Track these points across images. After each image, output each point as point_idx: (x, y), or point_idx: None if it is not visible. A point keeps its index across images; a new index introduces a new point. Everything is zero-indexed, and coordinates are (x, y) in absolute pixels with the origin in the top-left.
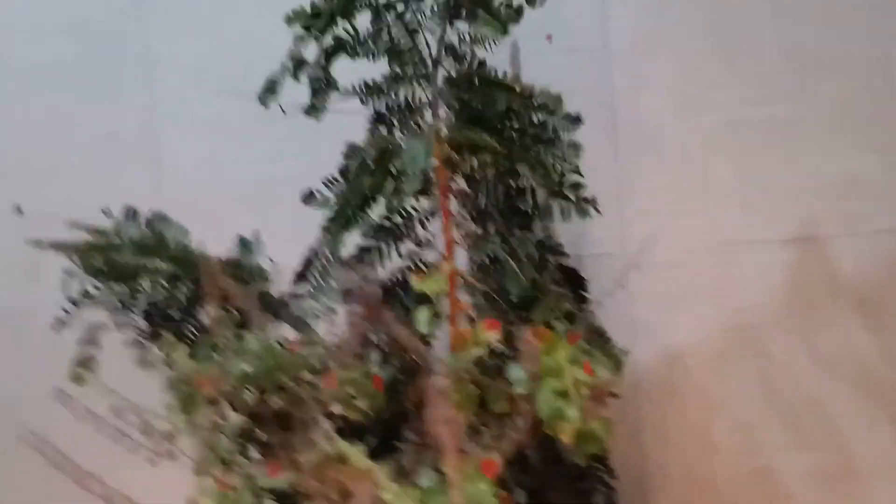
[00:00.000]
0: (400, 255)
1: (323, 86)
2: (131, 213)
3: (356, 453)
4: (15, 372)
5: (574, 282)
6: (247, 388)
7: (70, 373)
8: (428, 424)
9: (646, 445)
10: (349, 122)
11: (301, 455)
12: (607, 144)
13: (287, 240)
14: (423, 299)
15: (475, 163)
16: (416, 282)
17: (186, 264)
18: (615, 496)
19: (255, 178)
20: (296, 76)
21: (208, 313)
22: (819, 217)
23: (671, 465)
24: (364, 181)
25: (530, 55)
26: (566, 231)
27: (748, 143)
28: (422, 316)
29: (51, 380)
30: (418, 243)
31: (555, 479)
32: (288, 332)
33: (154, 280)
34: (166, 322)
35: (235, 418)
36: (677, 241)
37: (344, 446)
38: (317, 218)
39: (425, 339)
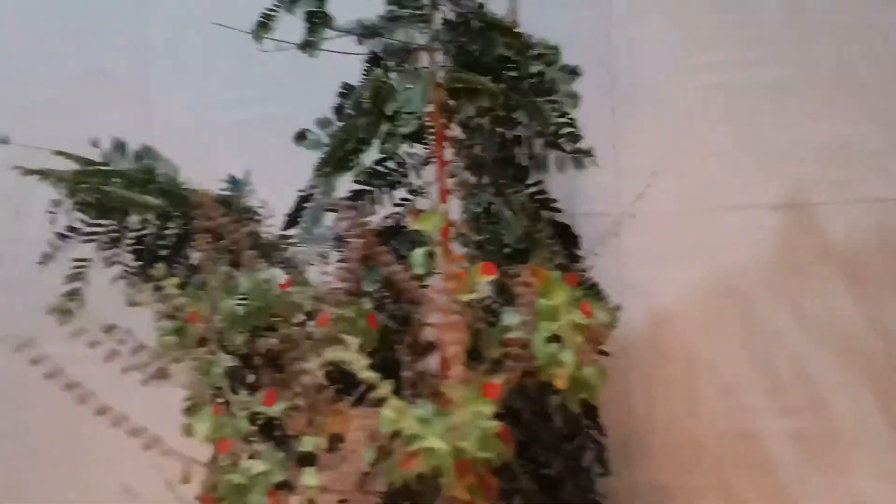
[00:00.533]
0: (392, 202)
1: (319, 20)
2: (120, 146)
3: (360, 362)
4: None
5: (566, 239)
6: (237, 328)
7: (56, 306)
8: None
9: (633, 404)
10: (344, 65)
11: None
12: (603, 103)
13: (278, 184)
14: (418, 242)
15: (471, 110)
16: (412, 221)
17: (176, 198)
18: (605, 453)
19: (247, 119)
20: (291, 9)
21: (198, 250)
22: (810, 183)
23: (657, 425)
24: (358, 122)
25: (529, 9)
26: (559, 189)
27: (743, 105)
28: (418, 257)
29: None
30: (412, 191)
31: (544, 435)
32: (278, 276)
33: (143, 215)
34: (155, 260)
35: (226, 358)
36: (669, 202)
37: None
38: (308, 163)
39: (421, 282)
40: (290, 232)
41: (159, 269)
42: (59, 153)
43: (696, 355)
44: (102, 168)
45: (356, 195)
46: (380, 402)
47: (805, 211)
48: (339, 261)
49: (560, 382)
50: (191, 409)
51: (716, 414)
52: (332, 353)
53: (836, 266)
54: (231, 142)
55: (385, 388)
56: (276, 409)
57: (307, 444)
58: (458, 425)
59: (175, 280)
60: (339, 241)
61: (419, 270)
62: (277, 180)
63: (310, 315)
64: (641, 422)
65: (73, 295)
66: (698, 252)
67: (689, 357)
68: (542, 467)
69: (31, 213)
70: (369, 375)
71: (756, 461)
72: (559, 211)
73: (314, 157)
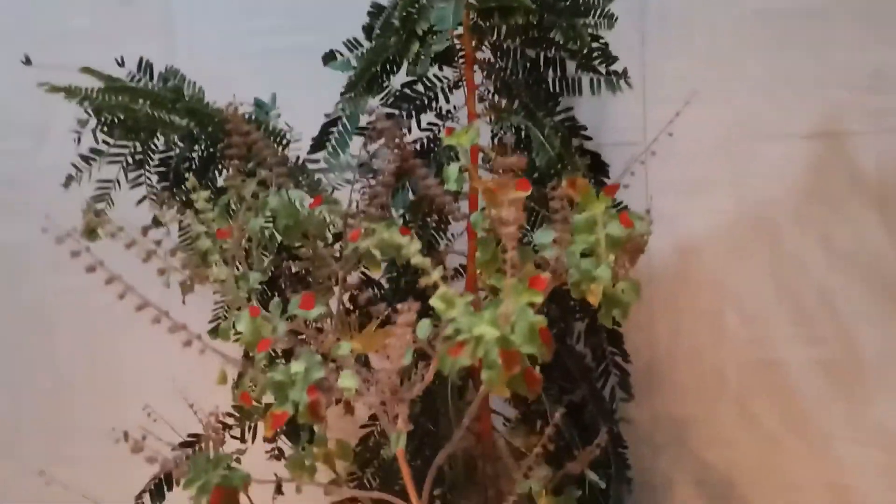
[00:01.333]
0: (420, 126)
1: None
2: (146, 67)
3: (412, 246)
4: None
5: (596, 167)
6: (265, 248)
7: (82, 228)
8: None
9: (657, 334)
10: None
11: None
12: (633, 29)
13: (304, 113)
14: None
15: (503, 31)
16: (445, 137)
17: (203, 118)
18: (628, 378)
19: (271, 49)
20: None
21: (226, 166)
22: (843, 112)
23: (681, 352)
24: (388, 42)
25: None
26: (586, 119)
27: (776, 33)
28: (452, 172)
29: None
30: (440, 115)
31: (568, 360)
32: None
33: (169, 136)
34: (180, 182)
35: (255, 276)
36: (699, 131)
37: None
38: (333, 94)
39: (455, 198)
40: (316, 156)
41: (191, 180)
42: (86, 70)
43: (722, 285)
44: (129, 86)
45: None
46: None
47: (838, 140)
48: (370, 176)
49: (593, 298)
50: (227, 312)
51: (741, 343)
52: (382, 230)
53: (867, 197)
54: (257, 71)
55: (436, 274)
56: (314, 313)
57: (342, 349)
58: (505, 315)
59: (206, 193)
60: (366, 165)
61: (452, 186)
62: (303, 110)
63: (338, 237)
64: (665, 352)
65: (98, 214)
66: (727, 182)
67: (716, 287)
68: (566, 393)
69: (52, 141)
70: (421, 260)
71: (780, 390)
72: (589, 139)
73: (340, 88)
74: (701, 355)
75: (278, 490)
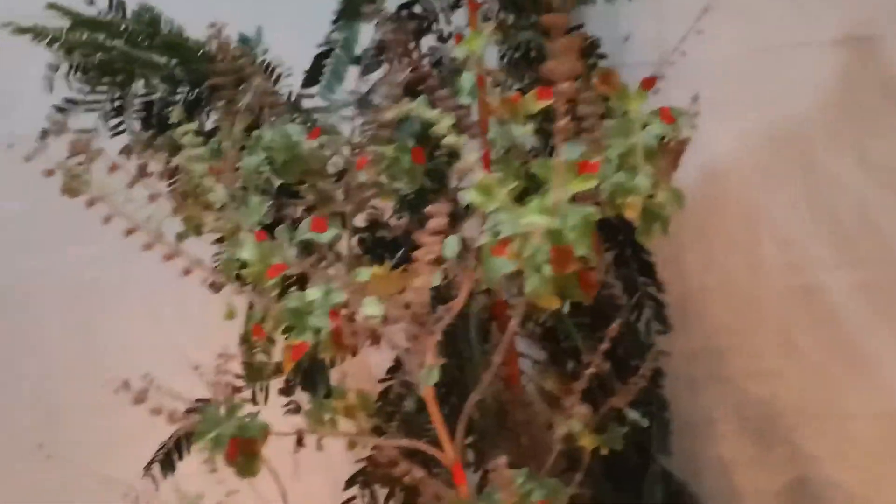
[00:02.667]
0: (420, 51)
1: None
2: (119, 4)
3: (445, 121)
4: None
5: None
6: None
7: (62, 185)
8: None
9: (687, 265)
10: None
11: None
12: None
13: (290, 55)
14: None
15: None
16: (455, 47)
17: (185, 53)
18: (664, 311)
19: None
20: None
21: (215, 109)
22: (873, 14)
23: (714, 285)
24: None
25: None
26: (600, 37)
27: None
28: (466, 80)
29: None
30: (441, 38)
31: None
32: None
33: (149, 77)
34: (165, 128)
35: (257, 200)
36: (720, 45)
37: None
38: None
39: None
40: (310, 91)
41: (176, 113)
42: (51, 6)
43: (754, 209)
44: (100, 20)
45: (379, 46)
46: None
47: (868, 45)
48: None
49: (632, 213)
50: (230, 237)
51: (777, 270)
52: (418, 108)
53: None
54: (237, 10)
55: (472, 157)
56: (327, 236)
57: (363, 274)
58: (555, 205)
59: (193, 125)
60: (364, 100)
61: (467, 99)
62: (291, 49)
63: (341, 174)
64: (697, 283)
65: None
66: (753, 99)
67: (747, 212)
68: (595, 329)
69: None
70: (454, 139)
71: (821, 316)
72: (603, 56)
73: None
74: (736, 285)
75: (299, 442)
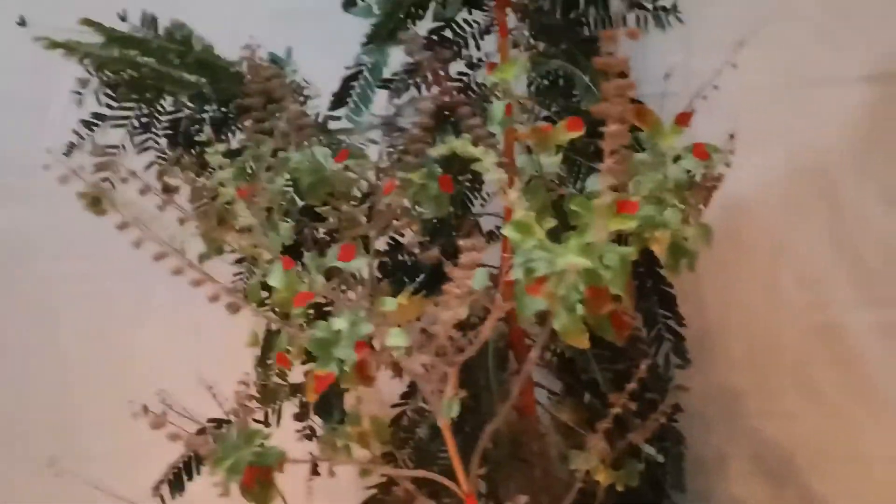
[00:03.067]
0: (450, 77)
1: None
2: (150, 20)
3: (488, 158)
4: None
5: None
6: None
7: (85, 199)
8: None
9: (707, 300)
10: None
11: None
12: None
13: (318, 77)
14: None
15: None
16: (488, 75)
17: (216, 71)
18: (683, 345)
19: (282, 9)
20: None
21: (242, 128)
22: None
23: (733, 321)
24: None
25: None
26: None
27: None
28: (497, 110)
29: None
30: (470, 64)
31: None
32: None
33: (178, 95)
34: (191, 145)
35: (286, 227)
36: (747, 77)
37: None
38: (348, 55)
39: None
40: (338, 113)
41: (205, 132)
42: (85, 21)
43: (777, 245)
44: (133, 37)
45: (409, 70)
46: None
47: None
48: (397, 135)
49: (659, 248)
50: (254, 268)
51: (798, 308)
52: (459, 146)
53: None
54: (269, 32)
55: (513, 194)
56: (355, 265)
57: (388, 304)
58: (595, 245)
59: (222, 147)
60: (391, 123)
61: (498, 127)
62: (320, 72)
63: (366, 197)
64: (716, 318)
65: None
66: (779, 132)
67: (770, 247)
68: (614, 361)
69: (54, 120)
70: (499, 176)
71: (842, 357)
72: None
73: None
74: (756, 322)
75: (314, 471)
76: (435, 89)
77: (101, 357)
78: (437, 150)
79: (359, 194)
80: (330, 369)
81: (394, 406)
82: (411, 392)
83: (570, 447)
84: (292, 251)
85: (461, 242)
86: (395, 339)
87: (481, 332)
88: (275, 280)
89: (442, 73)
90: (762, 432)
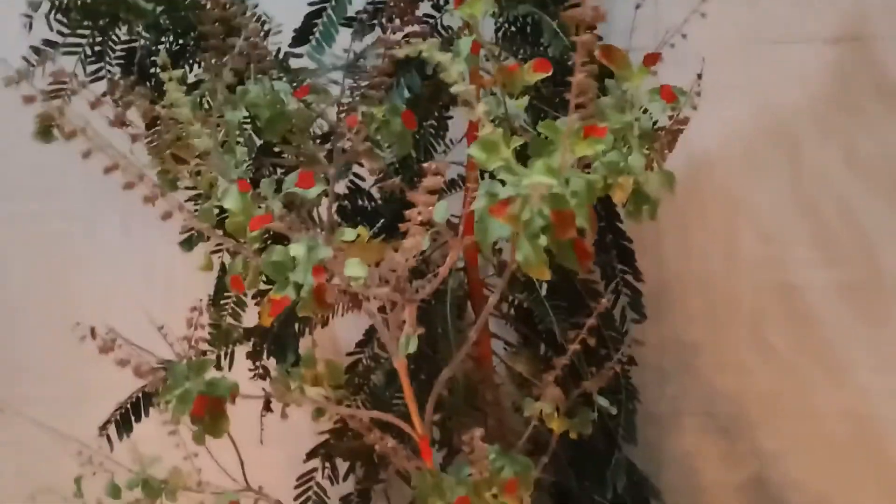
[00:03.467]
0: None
1: None
2: None
3: (455, 67)
4: None
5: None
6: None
7: (36, 129)
8: None
9: (666, 255)
10: None
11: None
12: None
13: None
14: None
15: None
16: (454, 9)
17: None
18: (640, 300)
19: None
20: None
21: (200, 62)
22: (869, 14)
23: (691, 277)
24: None
25: None
26: None
27: None
28: (463, 46)
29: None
30: (436, 6)
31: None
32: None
33: (133, 23)
34: (146, 77)
35: (242, 150)
36: (714, 34)
37: None
38: None
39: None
40: (299, 50)
41: (161, 56)
42: None
43: (737, 202)
44: None
45: (375, 9)
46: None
47: (863, 45)
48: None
49: (621, 194)
50: (210, 192)
51: (756, 264)
52: (426, 49)
53: (892, 104)
54: None
55: (481, 108)
56: (313, 192)
57: (348, 234)
58: (562, 167)
59: (179, 72)
60: (354, 66)
61: (461, 65)
62: (283, 7)
63: (326, 137)
64: (674, 272)
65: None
66: (743, 89)
67: (730, 204)
68: (572, 313)
69: None
70: (462, 88)
71: (797, 314)
72: (599, 38)
73: None
74: (713, 277)
75: (266, 407)
76: (402, 25)
77: (49, 299)
78: (403, 51)
79: (319, 133)
80: (286, 293)
81: (349, 354)
82: (367, 340)
83: (525, 398)
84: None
85: (424, 165)
86: (354, 269)
87: (442, 268)
88: (230, 202)
89: (410, 10)
90: (716, 386)
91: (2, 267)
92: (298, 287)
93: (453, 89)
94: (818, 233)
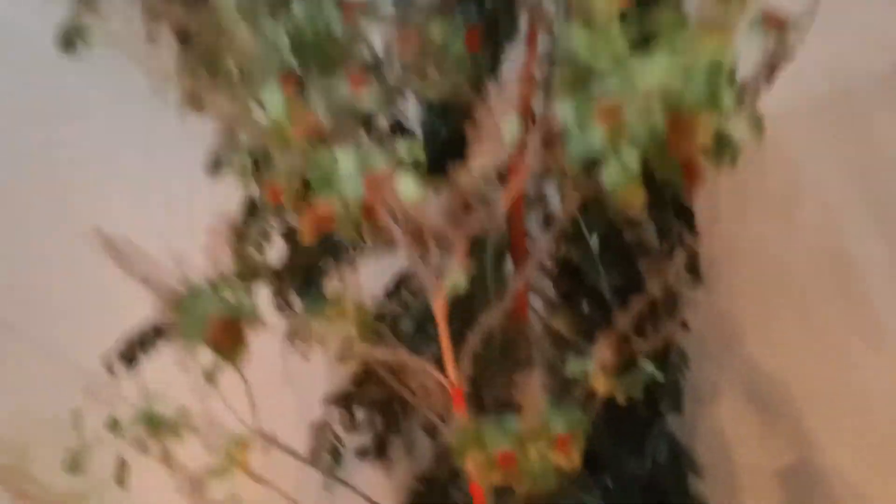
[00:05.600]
0: None
1: None
2: None
3: None
4: None
5: None
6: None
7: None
8: None
9: (721, 217)
10: None
11: None
12: None
13: None
14: None
15: None
16: None
17: None
18: (698, 261)
19: None
20: None
21: None
22: None
23: (746, 242)
24: None
25: None
26: None
27: None
28: None
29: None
30: None
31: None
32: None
33: None
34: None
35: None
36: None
37: None
38: None
39: None
40: None
41: None
42: None
43: (799, 168)
44: None
45: None
46: None
47: None
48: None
49: (704, 136)
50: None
51: (810, 231)
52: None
53: None
54: None
55: None
56: (366, 99)
57: (402, 147)
58: (686, 68)
59: None
60: None
61: None
62: None
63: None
64: (728, 237)
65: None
66: (816, 60)
67: (791, 169)
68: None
69: None
70: None
71: (849, 290)
72: None
73: None
74: (766, 242)
75: (291, 340)
76: None
77: (63, 225)
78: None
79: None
80: (331, 202)
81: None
82: (395, 290)
83: (560, 357)
84: None
85: (490, 84)
86: (409, 186)
87: (514, 187)
88: (271, 100)
89: None
90: (759, 364)
91: (23, 193)
92: (344, 202)
93: None
94: (876, 206)
